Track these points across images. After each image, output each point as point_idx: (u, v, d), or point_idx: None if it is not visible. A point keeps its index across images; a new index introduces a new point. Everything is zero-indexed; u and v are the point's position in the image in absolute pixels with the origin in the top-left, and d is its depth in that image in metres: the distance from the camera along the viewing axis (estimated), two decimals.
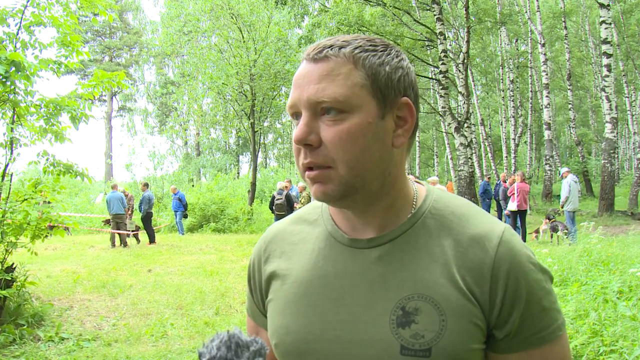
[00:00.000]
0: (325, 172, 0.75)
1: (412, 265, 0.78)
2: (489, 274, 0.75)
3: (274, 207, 12.48)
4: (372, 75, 0.75)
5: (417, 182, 0.89)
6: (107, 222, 13.10)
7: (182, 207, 15.47)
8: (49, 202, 6.41)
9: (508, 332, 0.76)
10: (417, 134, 0.84)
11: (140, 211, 13.53)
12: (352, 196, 0.77)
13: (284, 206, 12.21)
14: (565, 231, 10.16)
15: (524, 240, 11.16)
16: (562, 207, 10.78)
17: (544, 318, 0.76)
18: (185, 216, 16.12)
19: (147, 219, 13.41)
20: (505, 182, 14.84)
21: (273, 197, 12.74)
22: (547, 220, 11.30)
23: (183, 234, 15.72)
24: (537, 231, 11.51)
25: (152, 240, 13.20)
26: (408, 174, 0.86)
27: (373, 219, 0.82)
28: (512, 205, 11.24)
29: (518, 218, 11.29)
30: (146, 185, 14.18)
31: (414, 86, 0.80)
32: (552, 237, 11.14)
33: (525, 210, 11.37)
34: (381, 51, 0.77)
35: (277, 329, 0.85)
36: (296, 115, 0.78)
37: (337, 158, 0.74)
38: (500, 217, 14.94)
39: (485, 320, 0.76)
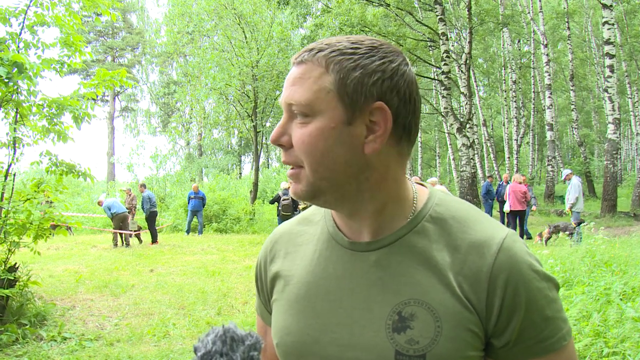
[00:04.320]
0: (297, 171, 0.78)
1: (409, 269, 0.78)
2: (486, 282, 0.74)
3: (280, 208, 12.47)
4: (339, 79, 0.74)
5: (419, 184, 0.88)
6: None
7: (202, 206, 15.40)
8: (51, 202, 6.42)
9: (507, 340, 0.75)
10: (414, 136, 0.82)
11: (143, 211, 13.59)
12: (322, 197, 0.79)
13: (290, 206, 12.21)
14: (572, 232, 10.14)
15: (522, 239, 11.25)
16: (570, 209, 10.74)
17: (547, 327, 0.74)
18: None
19: (151, 218, 13.50)
20: (508, 182, 14.89)
21: (278, 197, 12.73)
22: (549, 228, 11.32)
23: (198, 233, 15.61)
24: (540, 235, 11.45)
25: (154, 240, 13.25)
26: (410, 175, 0.85)
27: (364, 222, 0.82)
28: (506, 206, 11.65)
29: (517, 219, 11.58)
30: (143, 186, 14.33)
31: (399, 90, 0.75)
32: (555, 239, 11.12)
33: (523, 211, 11.51)
34: (361, 54, 0.74)
35: (279, 329, 0.86)
36: None
37: (303, 159, 0.76)
38: (502, 218, 14.97)
39: (482, 328, 0.75)
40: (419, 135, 31.16)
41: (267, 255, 0.94)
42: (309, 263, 0.86)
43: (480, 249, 0.76)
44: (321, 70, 0.75)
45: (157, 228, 13.99)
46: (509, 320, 0.74)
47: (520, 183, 11.59)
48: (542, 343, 0.74)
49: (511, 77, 25.61)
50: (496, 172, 26.22)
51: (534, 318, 0.74)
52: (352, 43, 0.76)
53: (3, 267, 5.28)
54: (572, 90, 23.68)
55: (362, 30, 16.05)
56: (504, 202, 14.56)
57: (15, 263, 5.56)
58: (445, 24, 15.97)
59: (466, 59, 16.73)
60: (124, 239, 12.71)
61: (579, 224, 10.49)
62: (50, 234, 5.70)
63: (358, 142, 0.75)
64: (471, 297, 0.74)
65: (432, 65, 19.72)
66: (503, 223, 14.75)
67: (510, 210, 11.47)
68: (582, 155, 24.43)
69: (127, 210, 13.05)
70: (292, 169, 0.79)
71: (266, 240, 0.98)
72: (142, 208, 13.62)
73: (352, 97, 0.74)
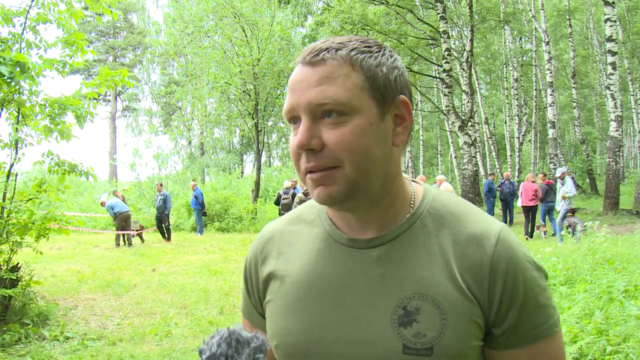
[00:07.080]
0: (330, 172, 0.75)
1: (412, 264, 0.79)
2: (487, 272, 0.76)
3: (280, 207, 12.49)
4: (370, 77, 0.76)
5: (413, 181, 0.90)
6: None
7: (198, 205, 15.34)
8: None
9: (506, 328, 0.77)
10: (412, 133, 0.84)
11: (166, 209, 13.82)
12: (356, 196, 0.77)
13: (290, 206, 12.22)
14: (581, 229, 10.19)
15: (532, 233, 11.47)
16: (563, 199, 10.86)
17: (540, 314, 0.78)
18: (205, 214, 15.86)
19: (168, 216, 13.90)
20: (511, 181, 14.98)
21: (279, 196, 12.75)
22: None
23: (201, 233, 15.56)
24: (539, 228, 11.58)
25: (169, 237, 13.74)
26: (409, 173, 0.86)
27: (373, 218, 0.82)
28: (519, 202, 12.43)
29: (530, 213, 12.23)
30: (161, 185, 14.63)
31: (408, 85, 0.81)
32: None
33: (534, 207, 12.09)
34: (376, 52, 0.78)
35: (279, 330, 0.84)
36: (294, 119, 0.78)
37: (343, 158, 0.74)
38: (504, 216, 14.98)
39: (484, 318, 0.77)
40: (421, 133, 31.34)
41: (257, 256, 0.93)
42: (306, 262, 0.85)
43: (479, 241, 0.78)
44: (348, 68, 0.75)
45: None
46: (508, 308, 0.76)
47: (533, 182, 12.23)
48: (536, 329, 0.77)
49: (513, 75, 25.55)
50: (498, 170, 26.18)
51: (529, 306, 0.77)
52: (361, 42, 0.78)
53: (5, 267, 5.29)
54: (574, 87, 23.61)
55: (363, 29, 16.04)
56: (505, 200, 14.81)
57: (18, 263, 5.57)
58: (446, 22, 15.94)
59: (467, 57, 16.71)
60: (126, 238, 12.73)
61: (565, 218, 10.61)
62: (53, 232, 5.68)
63: (389, 135, 0.78)
64: (473, 288, 0.77)
65: (434, 63, 19.69)
66: (505, 221, 14.83)
67: (523, 206, 12.22)
68: (584, 153, 24.37)
69: (128, 210, 13.14)
70: (322, 172, 0.75)
71: (255, 241, 0.96)
72: (166, 206, 13.77)
73: (383, 93, 0.77)
